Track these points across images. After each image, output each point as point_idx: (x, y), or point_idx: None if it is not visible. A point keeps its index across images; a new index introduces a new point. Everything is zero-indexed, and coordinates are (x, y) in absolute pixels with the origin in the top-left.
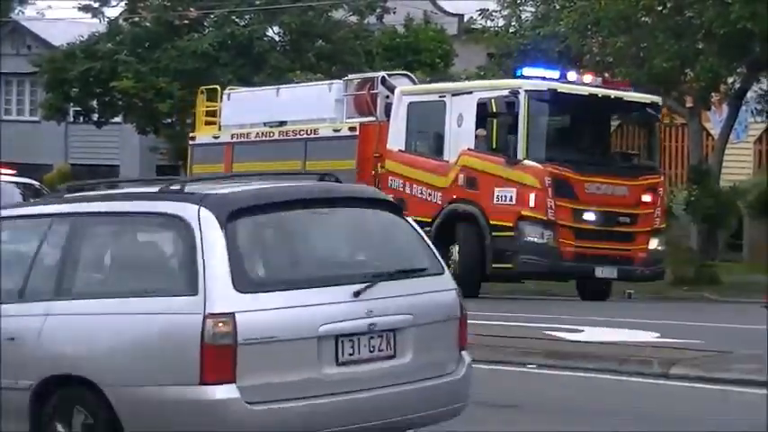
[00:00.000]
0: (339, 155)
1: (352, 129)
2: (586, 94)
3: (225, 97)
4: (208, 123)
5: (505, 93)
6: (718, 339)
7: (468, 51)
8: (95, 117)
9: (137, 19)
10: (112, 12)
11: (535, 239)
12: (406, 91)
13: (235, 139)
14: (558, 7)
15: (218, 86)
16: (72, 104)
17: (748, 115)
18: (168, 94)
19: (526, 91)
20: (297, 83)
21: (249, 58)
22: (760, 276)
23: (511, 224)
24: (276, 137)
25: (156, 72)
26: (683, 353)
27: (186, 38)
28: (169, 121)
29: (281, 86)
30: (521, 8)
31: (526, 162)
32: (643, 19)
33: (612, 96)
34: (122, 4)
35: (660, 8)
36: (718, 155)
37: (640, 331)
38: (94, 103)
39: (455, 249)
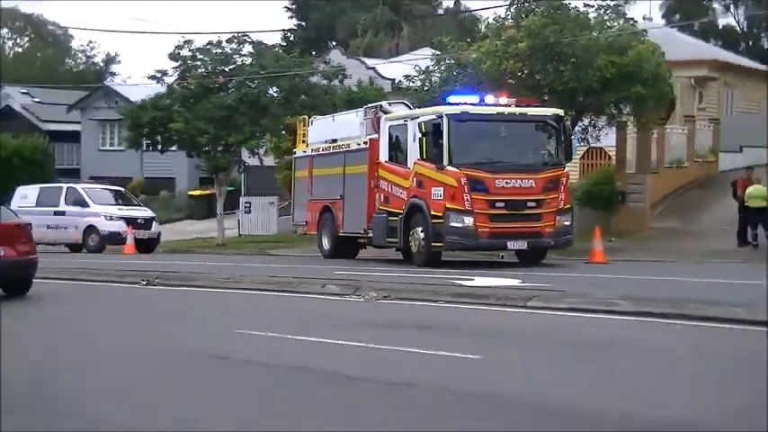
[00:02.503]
0: (361, 161)
1: (365, 143)
2: (494, 112)
3: (310, 123)
4: (303, 142)
5: (434, 116)
6: (558, 284)
7: None
8: (160, 147)
9: (185, 83)
10: (170, 79)
11: (457, 224)
12: (388, 117)
13: (313, 153)
14: (455, 73)
15: (305, 116)
16: (144, 139)
17: (576, 142)
18: (205, 132)
19: (446, 114)
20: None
21: (257, 109)
22: (584, 244)
23: (441, 214)
24: (331, 150)
25: (197, 118)
26: (535, 292)
27: (217, 96)
28: (206, 149)
29: (335, 114)
30: (431, 74)
31: (449, 168)
32: (509, 81)
33: (517, 113)
34: (176, 74)
35: (519, 73)
36: None
37: (509, 279)
38: (159, 138)
39: (415, 231)
